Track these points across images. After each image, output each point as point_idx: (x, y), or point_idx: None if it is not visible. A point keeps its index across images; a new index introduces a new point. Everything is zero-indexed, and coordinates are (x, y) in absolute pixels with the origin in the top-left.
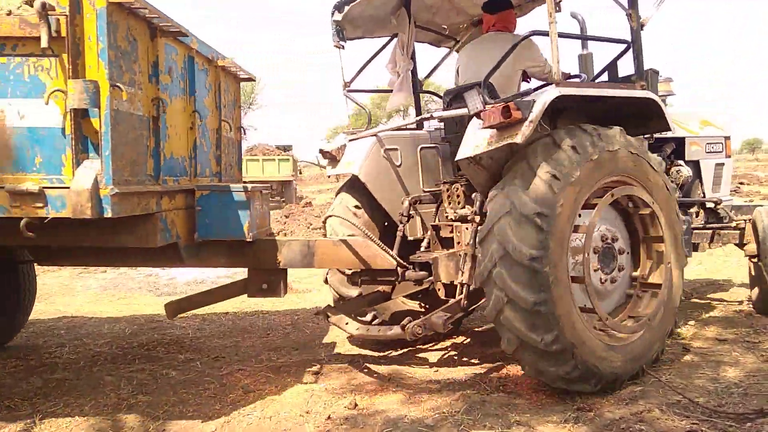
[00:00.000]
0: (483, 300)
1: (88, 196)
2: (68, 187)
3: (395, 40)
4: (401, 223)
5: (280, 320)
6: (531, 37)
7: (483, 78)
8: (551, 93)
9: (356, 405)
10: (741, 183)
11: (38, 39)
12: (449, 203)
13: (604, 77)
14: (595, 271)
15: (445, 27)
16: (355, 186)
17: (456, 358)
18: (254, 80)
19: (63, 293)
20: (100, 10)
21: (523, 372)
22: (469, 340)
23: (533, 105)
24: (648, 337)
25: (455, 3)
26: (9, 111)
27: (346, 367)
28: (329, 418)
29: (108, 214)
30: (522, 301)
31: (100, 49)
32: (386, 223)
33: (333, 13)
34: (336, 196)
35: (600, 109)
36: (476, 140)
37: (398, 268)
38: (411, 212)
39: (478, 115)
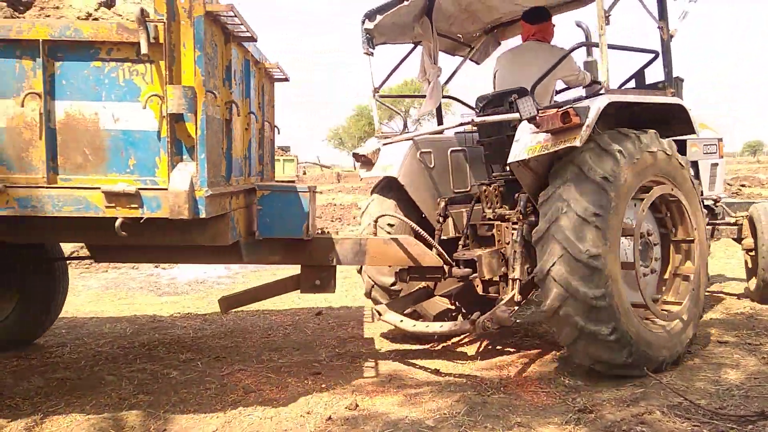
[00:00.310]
0: (528, 294)
1: (185, 197)
2: (164, 189)
3: (419, 49)
4: (438, 222)
5: (280, 321)
6: (565, 48)
7: (526, 85)
8: (603, 100)
9: (357, 406)
10: (742, 185)
11: (133, 44)
12: (487, 203)
13: (631, 84)
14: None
15: (461, 35)
16: (392, 188)
17: (457, 359)
18: (288, 80)
19: None
20: (197, 18)
21: (578, 361)
22: (469, 341)
23: (588, 111)
24: (683, 323)
25: (472, 12)
26: (103, 114)
27: (347, 368)
28: (330, 418)
29: (202, 215)
30: (583, 296)
31: (197, 57)
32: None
33: (364, 22)
34: (372, 196)
35: (627, 113)
36: (529, 143)
37: (444, 266)
38: (446, 212)
39: (531, 120)
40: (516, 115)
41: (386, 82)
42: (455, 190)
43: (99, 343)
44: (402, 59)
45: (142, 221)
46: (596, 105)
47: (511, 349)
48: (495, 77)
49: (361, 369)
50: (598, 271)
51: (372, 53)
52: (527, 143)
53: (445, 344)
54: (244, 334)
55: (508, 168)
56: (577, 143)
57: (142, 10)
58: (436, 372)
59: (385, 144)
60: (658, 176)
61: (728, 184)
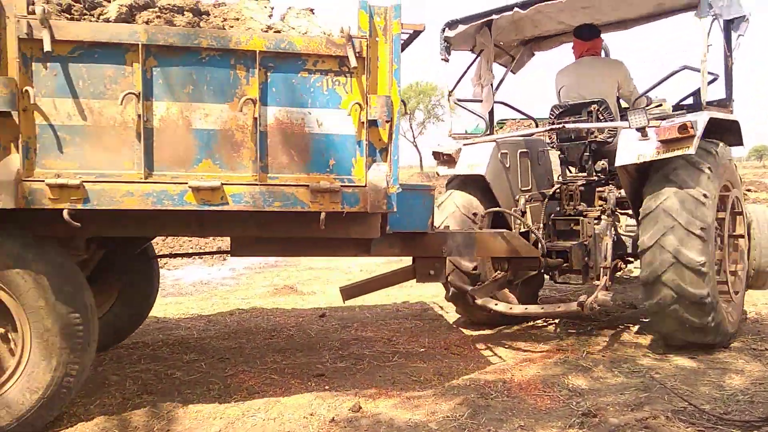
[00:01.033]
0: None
1: (383, 194)
2: (362, 186)
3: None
4: (516, 216)
5: (284, 322)
6: (624, 65)
7: (595, 96)
8: (705, 116)
9: (360, 408)
10: (748, 190)
11: (337, 57)
12: (566, 201)
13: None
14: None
15: (503, 44)
16: (472, 184)
17: (460, 362)
18: None
19: None
20: (395, 35)
21: (672, 344)
22: (472, 344)
23: (697, 124)
24: (739, 304)
25: (520, 26)
26: (308, 119)
27: (350, 370)
28: (333, 420)
29: (393, 209)
30: (692, 297)
31: (394, 69)
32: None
33: (444, 30)
34: (449, 191)
35: None
36: (639, 150)
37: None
38: (524, 208)
39: (640, 129)
40: (622, 123)
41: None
42: (521, 188)
43: None
44: (469, 65)
45: (344, 215)
46: (702, 119)
47: (514, 352)
48: (560, 91)
49: (364, 371)
50: (706, 274)
51: (448, 59)
52: (637, 150)
53: (446, 348)
54: (247, 335)
55: (585, 169)
56: (692, 151)
57: (349, 28)
58: (439, 375)
59: (466, 144)
60: (728, 182)
61: None
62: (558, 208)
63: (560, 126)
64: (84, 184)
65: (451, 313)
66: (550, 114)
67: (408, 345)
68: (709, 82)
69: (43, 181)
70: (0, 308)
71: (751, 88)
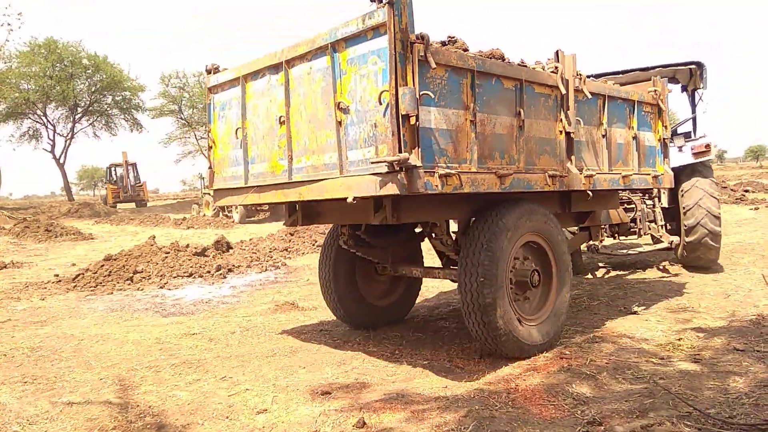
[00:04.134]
0: None
1: (669, 177)
2: (662, 174)
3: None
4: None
5: (286, 339)
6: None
7: None
8: (709, 138)
9: (364, 423)
10: (746, 191)
11: (656, 105)
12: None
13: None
14: None
15: None
16: None
17: (463, 374)
18: None
19: (70, 316)
20: (667, 96)
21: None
22: (475, 355)
23: (710, 143)
24: None
25: None
26: (646, 136)
27: (354, 385)
28: None
29: (671, 185)
30: (714, 231)
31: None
32: None
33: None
34: None
35: None
36: (680, 159)
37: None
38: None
39: (680, 147)
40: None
41: None
42: None
43: (105, 365)
44: None
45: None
46: (709, 139)
47: (517, 362)
48: None
49: (368, 386)
50: (719, 218)
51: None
52: (679, 158)
53: (450, 360)
54: (249, 353)
55: None
56: (713, 156)
57: (658, 92)
58: (443, 387)
59: None
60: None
61: (731, 189)
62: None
63: None
64: (507, 176)
65: (453, 326)
66: None
67: (411, 358)
68: (685, 120)
69: (581, 172)
70: (540, 253)
71: (747, 90)
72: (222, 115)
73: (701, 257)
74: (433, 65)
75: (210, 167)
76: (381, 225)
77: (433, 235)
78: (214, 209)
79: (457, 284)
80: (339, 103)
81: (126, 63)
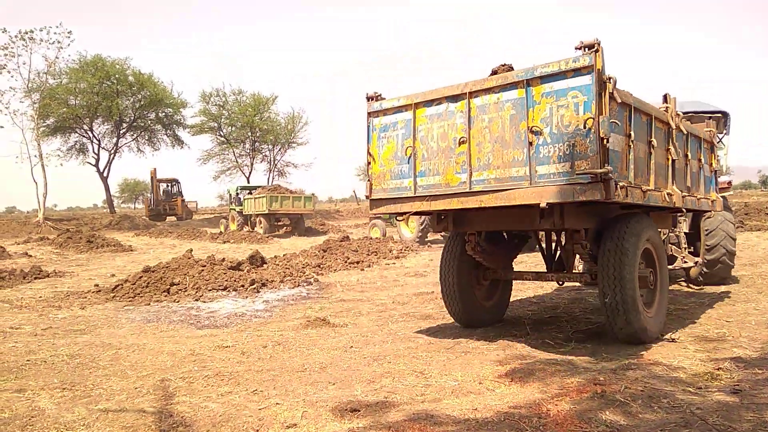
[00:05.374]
0: None
1: (721, 202)
2: (714, 200)
3: None
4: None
5: (317, 355)
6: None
7: None
8: (729, 177)
9: None
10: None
11: (711, 143)
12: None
13: None
14: None
15: None
16: None
17: (493, 397)
18: None
19: (108, 325)
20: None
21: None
22: (505, 377)
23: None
24: None
25: None
26: (701, 164)
27: (382, 404)
28: None
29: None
30: (731, 251)
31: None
32: None
33: None
34: None
35: None
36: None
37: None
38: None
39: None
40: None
41: None
42: None
43: (140, 375)
44: None
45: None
46: (731, 177)
47: (548, 386)
48: None
49: (396, 405)
50: (735, 239)
51: None
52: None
53: (480, 381)
54: (280, 367)
55: None
56: (731, 193)
57: (713, 133)
58: (473, 410)
59: None
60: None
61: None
62: None
63: None
64: (646, 192)
65: (482, 347)
66: None
67: (440, 378)
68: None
69: (661, 191)
70: (651, 258)
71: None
72: (383, 136)
73: (718, 273)
74: (619, 100)
75: (368, 180)
76: (495, 235)
77: (573, 240)
78: (239, 223)
79: (597, 283)
80: (531, 127)
81: (168, 80)
